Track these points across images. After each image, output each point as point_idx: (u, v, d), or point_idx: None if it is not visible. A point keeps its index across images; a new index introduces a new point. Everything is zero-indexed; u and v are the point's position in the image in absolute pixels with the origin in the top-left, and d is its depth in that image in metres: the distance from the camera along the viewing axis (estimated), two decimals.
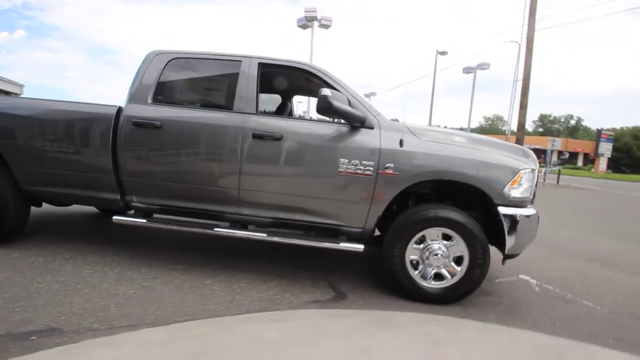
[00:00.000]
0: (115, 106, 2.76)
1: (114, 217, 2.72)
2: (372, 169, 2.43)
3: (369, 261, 3.27)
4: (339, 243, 2.54)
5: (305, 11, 15.28)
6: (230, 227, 2.72)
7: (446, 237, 2.46)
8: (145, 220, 2.70)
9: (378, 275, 2.96)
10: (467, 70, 21.00)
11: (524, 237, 2.47)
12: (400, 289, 2.52)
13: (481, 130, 65.07)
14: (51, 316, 1.95)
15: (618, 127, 55.56)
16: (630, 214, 8.72)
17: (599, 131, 23.34)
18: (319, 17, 15.37)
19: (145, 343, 1.78)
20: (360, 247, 2.51)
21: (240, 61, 2.73)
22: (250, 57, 2.74)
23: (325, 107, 2.25)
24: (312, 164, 2.53)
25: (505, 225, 2.40)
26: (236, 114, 2.61)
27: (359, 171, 2.45)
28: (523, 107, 17.07)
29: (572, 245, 4.60)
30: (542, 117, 75.71)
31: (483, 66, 20.04)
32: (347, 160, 2.45)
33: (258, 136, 2.53)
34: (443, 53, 22.70)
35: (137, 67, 2.83)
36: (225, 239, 3.58)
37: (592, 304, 2.71)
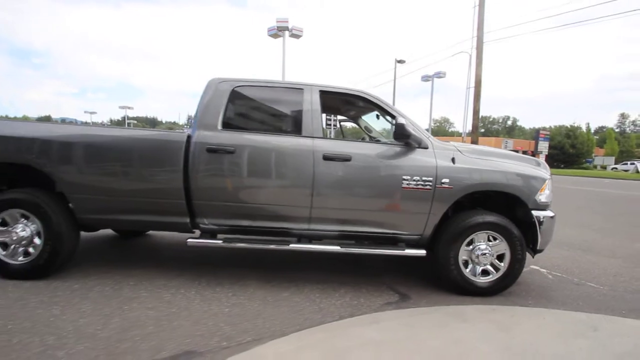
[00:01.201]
0: (184, 133, 2.85)
1: (189, 241, 2.81)
2: (431, 184, 2.82)
3: (410, 264, 3.66)
4: (404, 250, 2.89)
5: (277, 21, 15.50)
6: (297, 242, 2.94)
7: (490, 238, 2.93)
8: (221, 242, 2.82)
9: (425, 275, 3.35)
10: (425, 78, 22.72)
11: (549, 234, 3.01)
12: (454, 286, 2.93)
13: (431, 131, 69.45)
14: (176, 341, 2.04)
15: (547, 125, 62.70)
16: (584, 205, 10.05)
17: (537, 131, 26.36)
18: (290, 27, 15.68)
19: (283, 353, 1.97)
20: (422, 252, 2.88)
21: (302, 89, 2.98)
22: (311, 85, 2.99)
23: (404, 133, 2.61)
24: (379, 181, 2.85)
25: (538, 225, 2.92)
26: (306, 138, 2.85)
27: (420, 186, 2.82)
28: (476, 111, 18.77)
29: None
30: (483, 119, 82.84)
31: (440, 75, 21.84)
32: (409, 177, 2.81)
33: (329, 158, 2.80)
34: (401, 62, 24.23)
35: (200, 94, 2.95)
36: (268, 254, 3.76)
37: (595, 285, 3.34)
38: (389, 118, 3.07)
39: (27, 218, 2.81)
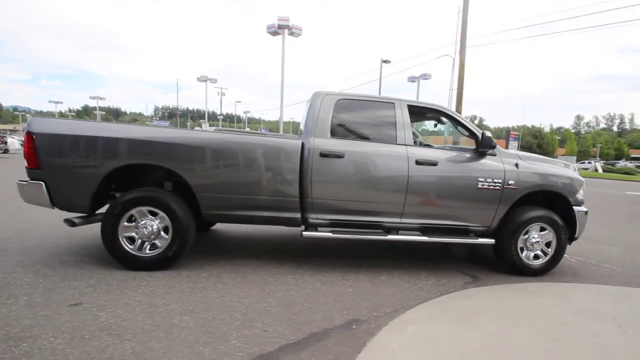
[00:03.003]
0: (298, 139, 3.26)
1: (304, 233, 3.24)
2: (500, 184, 3.44)
3: (466, 252, 4.30)
4: (477, 239, 3.50)
5: (279, 19, 15.67)
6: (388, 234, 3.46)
7: (541, 229, 3.61)
8: (331, 234, 3.28)
9: (480, 261, 4.00)
10: (412, 79, 23.86)
11: (583, 225, 3.75)
12: (514, 268, 3.58)
13: None
14: (335, 312, 2.51)
15: (510, 125, 67.08)
16: None
17: (508, 131, 28.45)
18: (290, 26, 15.91)
19: (424, 318, 2.51)
20: (492, 241, 3.51)
21: (393, 103, 3.49)
22: (400, 100, 3.51)
23: (491, 144, 3.22)
24: (459, 182, 3.43)
25: (577, 218, 3.65)
26: (401, 146, 3.37)
27: (491, 186, 3.43)
28: (458, 112, 20.12)
29: None
30: None
31: (425, 76, 23.06)
32: (483, 179, 3.42)
33: (420, 163, 3.34)
34: (387, 62, 25.17)
35: (306, 105, 3.37)
36: (344, 246, 4.26)
37: (609, 265, 4.15)
38: (460, 128, 3.65)
39: (154, 214, 3.11)
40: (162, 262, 3.12)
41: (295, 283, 3.03)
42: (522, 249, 3.60)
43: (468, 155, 3.50)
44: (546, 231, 3.60)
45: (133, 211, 3.06)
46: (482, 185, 3.42)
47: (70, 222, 3.08)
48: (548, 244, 3.64)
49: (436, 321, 2.51)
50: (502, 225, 3.55)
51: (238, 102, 70.80)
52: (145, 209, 3.08)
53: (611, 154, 60.73)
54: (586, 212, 3.74)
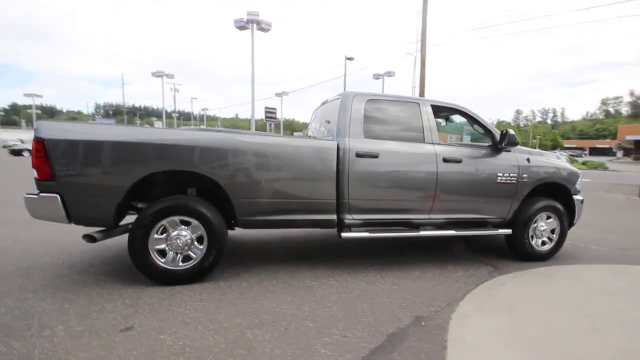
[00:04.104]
0: (333, 141, 3.22)
1: (343, 234, 3.21)
2: (515, 178, 3.70)
3: (475, 244, 4.55)
4: (497, 230, 3.73)
5: (248, 14, 15.08)
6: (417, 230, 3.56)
7: (546, 217, 3.94)
8: (368, 234, 3.28)
9: (490, 251, 4.27)
10: (376, 76, 24.51)
11: (580, 212, 4.16)
12: (525, 255, 3.87)
13: None
14: (397, 310, 2.53)
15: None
16: None
17: (461, 127, 30.64)
18: (259, 20, 15.41)
19: (479, 307, 2.62)
20: (509, 231, 3.76)
21: (418, 103, 3.58)
22: (424, 100, 3.61)
23: (515, 142, 3.42)
24: (481, 177, 3.61)
25: (576, 206, 4.04)
26: (429, 145, 3.47)
27: (508, 180, 3.67)
28: None
29: None
30: None
31: (390, 74, 23.82)
32: (502, 174, 3.65)
33: (447, 160, 3.47)
34: (350, 59, 25.59)
35: (338, 106, 3.34)
36: (345, 244, 4.30)
37: (597, 247, 4.65)
38: (477, 126, 3.85)
39: (186, 224, 2.89)
40: (198, 274, 2.92)
41: (340, 285, 3.01)
42: (532, 237, 3.91)
43: (487, 151, 3.71)
44: (551, 219, 3.94)
45: (164, 222, 2.82)
46: (501, 179, 3.65)
47: (90, 238, 2.76)
48: (553, 231, 3.98)
49: (489, 311, 2.65)
50: (515, 216, 3.82)
51: (194, 98, 67.22)
52: (177, 218, 2.85)
53: (548, 145, 67.55)
54: (582, 201, 4.16)
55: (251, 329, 2.21)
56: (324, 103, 4.08)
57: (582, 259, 4.12)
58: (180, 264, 2.89)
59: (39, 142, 2.57)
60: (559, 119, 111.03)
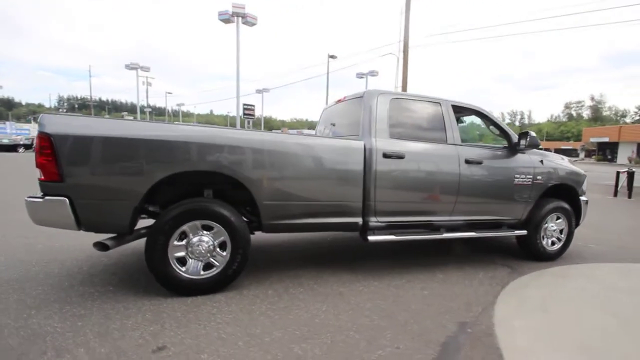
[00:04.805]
0: (359, 141, 3.09)
1: (370, 238, 3.09)
2: (530, 179, 3.74)
3: (491, 248, 4.58)
4: (514, 231, 3.75)
5: (233, 6, 14.51)
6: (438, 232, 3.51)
7: (556, 218, 4.02)
8: (394, 237, 3.19)
9: (502, 252, 4.31)
10: (360, 75, 24.56)
11: (585, 213, 4.28)
12: (537, 255, 3.93)
13: None
14: (439, 318, 2.46)
15: None
16: None
17: None
18: (244, 14, 14.90)
19: (515, 309, 2.60)
20: (524, 232, 3.79)
21: (439, 103, 3.52)
22: (445, 100, 3.56)
23: (536, 144, 3.44)
24: (500, 178, 3.62)
25: (582, 207, 4.15)
26: (451, 146, 3.42)
27: (524, 182, 3.71)
28: None
29: None
30: None
31: (373, 73, 23.95)
32: (519, 175, 3.67)
33: (469, 162, 3.44)
34: (333, 57, 25.50)
35: (363, 104, 3.21)
36: (358, 247, 4.22)
37: (596, 246, 4.82)
38: (493, 127, 3.86)
39: (207, 229, 2.67)
40: (222, 283, 2.72)
41: (371, 292, 2.90)
42: (542, 237, 3.98)
43: (504, 152, 3.73)
44: (560, 220, 4.03)
45: (185, 227, 2.59)
46: (518, 181, 3.68)
47: (101, 246, 2.48)
48: (561, 231, 4.08)
49: (526, 314, 2.63)
50: (529, 217, 3.87)
51: (169, 93, 64.40)
52: (199, 223, 2.63)
53: None
54: (587, 202, 4.29)
55: (297, 343, 2.05)
56: (339, 101, 3.94)
57: (586, 257, 4.25)
58: (202, 272, 2.67)
59: (44, 138, 2.27)
60: (526, 121, 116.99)
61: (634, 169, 11.43)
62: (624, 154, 35.81)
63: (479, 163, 3.51)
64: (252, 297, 2.68)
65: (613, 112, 69.53)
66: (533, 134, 3.55)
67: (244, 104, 21.48)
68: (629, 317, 2.63)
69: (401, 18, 21.16)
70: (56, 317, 2.28)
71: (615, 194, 10.71)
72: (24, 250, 3.68)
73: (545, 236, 3.98)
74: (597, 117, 68.79)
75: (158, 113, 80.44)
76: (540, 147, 3.63)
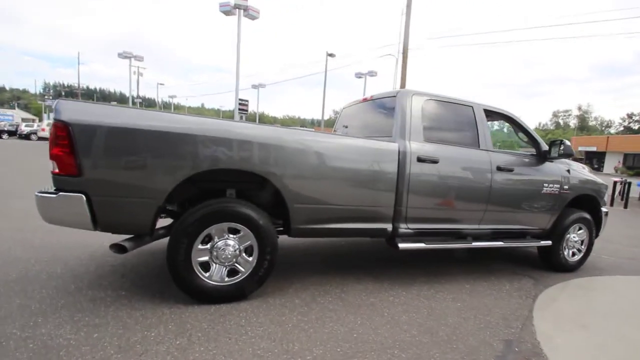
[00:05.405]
0: (395, 143, 2.92)
1: (401, 245, 2.94)
2: (558, 189, 3.65)
3: (509, 257, 4.49)
4: (539, 242, 3.66)
5: None
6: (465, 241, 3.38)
7: (578, 229, 3.95)
8: (424, 245, 3.04)
9: (525, 261, 4.22)
10: (359, 75, 24.41)
11: (605, 224, 4.23)
12: (559, 266, 3.84)
13: (330, 122, 72.85)
14: (481, 334, 2.32)
15: None
16: None
17: None
18: (247, 6, 14.51)
19: (554, 325, 2.49)
20: (549, 242, 3.70)
21: (472, 106, 3.39)
22: (477, 103, 3.43)
23: (570, 153, 3.33)
24: (531, 186, 3.51)
25: (602, 218, 4.10)
26: (483, 152, 3.29)
27: (552, 191, 3.61)
28: None
29: None
30: None
31: (372, 73, 23.82)
32: (547, 184, 3.58)
33: (500, 169, 3.32)
34: (332, 55, 25.28)
35: (395, 105, 3.05)
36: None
37: (607, 257, 4.79)
38: (521, 134, 3.76)
39: (233, 232, 2.47)
40: (247, 291, 2.52)
41: (402, 302, 2.74)
42: (564, 248, 3.91)
43: (533, 160, 3.62)
44: (582, 230, 3.97)
45: (211, 229, 2.38)
46: (546, 190, 3.58)
47: (119, 248, 2.26)
48: (582, 242, 4.01)
49: (567, 330, 2.51)
50: (553, 227, 3.78)
51: (161, 84, 62.75)
52: (226, 225, 2.42)
53: None
54: (607, 213, 4.24)
55: None
56: (364, 100, 3.77)
57: (602, 269, 4.20)
58: (226, 278, 2.47)
59: (62, 127, 2.02)
60: None
61: (629, 180, 11.65)
62: (610, 164, 36.74)
63: (510, 170, 3.39)
64: (280, 307, 2.49)
65: (599, 123, 71.45)
66: (567, 142, 3.45)
67: (239, 99, 21.13)
68: None
69: (402, 19, 21.13)
70: (67, 326, 2.05)
71: (612, 204, 10.87)
72: (21, 246, 3.40)
73: (567, 247, 3.90)
74: (584, 126, 70.57)
75: (148, 104, 78.62)
76: (572, 155, 3.53)
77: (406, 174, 2.92)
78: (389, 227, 2.98)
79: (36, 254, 3.21)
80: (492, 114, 3.63)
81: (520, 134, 3.78)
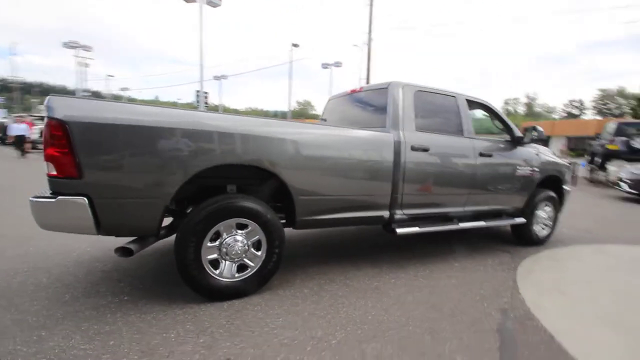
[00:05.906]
0: (387, 133, 3.03)
1: (399, 230, 3.07)
2: (529, 170, 3.99)
3: (485, 235, 4.82)
4: (514, 219, 3.99)
5: None
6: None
7: (545, 206, 4.36)
8: (418, 229, 3.21)
9: (498, 238, 4.58)
10: (325, 66, 24.44)
11: (567, 201, 4.70)
12: (530, 240, 4.23)
13: (295, 113, 72.42)
14: (481, 305, 2.52)
15: None
16: None
17: None
18: None
19: (539, 295, 2.77)
20: (524, 220, 4.05)
21: (455, 96, 3.59)
22: (459, 94, 3.64)
23: (544, 139, 3.63)
24: (507, 170, 3.81)
25: (566, 195, 4.56)
26: (467, 139, 3.51)
27: (524, 172, 3.95)
28: None
29: None
30: None
31: (338, 64, 23.96)
32: (521, 167, 3.90)
33: (482, 154, 3.57)
34: (296, 45, 25.02)
35: (387, 95, 3.15)
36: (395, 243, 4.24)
37: (567, 230, 5.33)
38: (497, 122, 4.04)
39: (241, 227, 2.46)
40: (256, 285, 2.53)
41: (403, 284, 2.90)
42: (535, 224, 4.30)
43: (508, 145, 3.92)
44: (549, 208, 4.39)
45: (220, 226, 2.35)
46: (520, 172, 3.91)
47: (124, 252, 2.17)
48: (549, 218, 4.44)
49: (548, 296, 2.80)
50: (525, 206, 4.14)
51: (110, 76, 58.40)
52: (234, 221, 2.40)
53: None
54: (569, 191, 4.71)
55: (366, 342, 1.98)
56: (352, 92, 3.84)
57: (564, 240, 4.67)
58: (236, 274, 2.46)
59: (57, 125, 1.88)
60: None
61: (573, 160, 12.88)
62: (556, 147, 40.23)
63: (490, 156, 3.66)
64: (292, 297, 2.53)
65: (545, 109, 77.41)
66: (540, 128, 3.78)
67: (197, 91, 20.34)
68: (624, 294, 2.94)
69: (367, 10, 21.37)
70: (77, 336, 1.95)
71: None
72: None
73: (537, 223, 4.30)
74: (531, 112, 76.18)
75: (96, 97, 72.77)
76: (545, 139, 3.88)
77: (401, 163, 3.05)
78: (386, 214, 3.11)
79: (13, 265, 2.96)
80: (472, 104, 3.87)
81: (496, 122, 4.07)
